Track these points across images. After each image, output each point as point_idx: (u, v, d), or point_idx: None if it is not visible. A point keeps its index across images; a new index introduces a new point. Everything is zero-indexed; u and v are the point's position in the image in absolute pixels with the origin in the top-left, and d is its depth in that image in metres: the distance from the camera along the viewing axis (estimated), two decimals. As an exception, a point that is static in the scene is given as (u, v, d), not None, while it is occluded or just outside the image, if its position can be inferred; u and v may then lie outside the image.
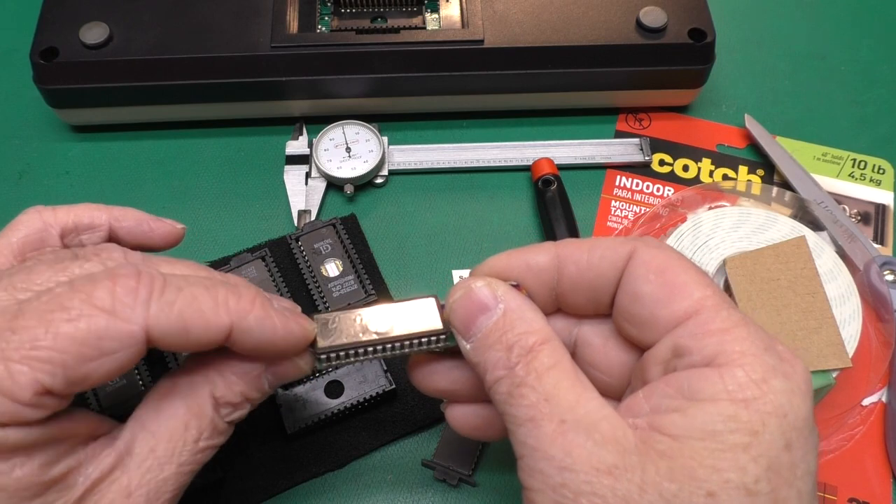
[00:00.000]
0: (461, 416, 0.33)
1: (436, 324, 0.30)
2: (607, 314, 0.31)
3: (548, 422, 0.26)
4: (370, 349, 0.30)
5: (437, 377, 0.32)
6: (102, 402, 0.38)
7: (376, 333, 0.30)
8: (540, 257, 0.30)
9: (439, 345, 0.30)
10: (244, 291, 0.28)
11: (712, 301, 0.27)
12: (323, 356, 0.30)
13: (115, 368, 0.26)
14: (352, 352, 0.30)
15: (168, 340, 0.27)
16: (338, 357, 0.30)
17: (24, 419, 0.25)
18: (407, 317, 0.30)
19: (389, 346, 0.30)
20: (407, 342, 0.30)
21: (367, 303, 0.44)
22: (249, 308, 0.28)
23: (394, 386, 0.41)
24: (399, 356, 0.31)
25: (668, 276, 0.28)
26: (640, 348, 0.30)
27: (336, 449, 0.41)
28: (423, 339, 0.30)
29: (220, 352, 0.29)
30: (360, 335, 0.30)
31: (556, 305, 0.31)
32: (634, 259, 0.28)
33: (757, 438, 0.24)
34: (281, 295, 0.44)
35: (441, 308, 0.30)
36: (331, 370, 0.41)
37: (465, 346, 0.29)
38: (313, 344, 0.30)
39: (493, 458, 0.42)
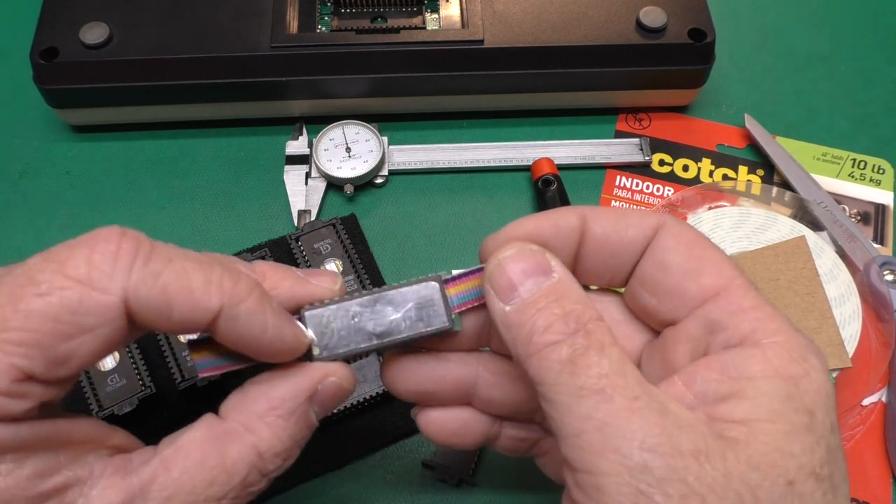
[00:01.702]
0: (438, 421, 0.31)
1: (441, 321, 0.28)
2: (618, 286, 0.30)
3: (620, 396, 0.23)
4: (369, 352, 0.29)
5: (418, 377, 0.30)
6: (102, 402, 0.38)
7: (376, 337, 0.28)
8: (570, 219, 0.28)
9: (440, 333, 0.29)
10: (243, 278, 0.26)
11: (740, 280, 0.26)
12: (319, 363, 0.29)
13: (99, 346, 0.24)
14: (350, 358, 0.29)
15: (147, 315, 0.24)
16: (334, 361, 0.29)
17: (9, 412, 0.23)
18: (409, 308, 0.28)
19: (390, 346, 0.29)
20: (409, 340, 0.29)
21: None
22: (244, 296, 0.26)
23: (394, 386, 0.41)
24: (399, 347, 0.30)
25: (697, 250, 0.27)
26: (651, 330, 0.29)
27: (336, 449, 0.41)
28: (426, 337, 0.29)
29: (259, 393, 0.27)
30: (359, 340, 0.28)
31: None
32: (664, 231, 0.28)
33: (814, 419, 0.24)
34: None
35: (445, 295, 0.29)
36: None
37: (503, 307, 0.26)
38: (308, 352, 0.28)
39: (493, 458, 0.42)
